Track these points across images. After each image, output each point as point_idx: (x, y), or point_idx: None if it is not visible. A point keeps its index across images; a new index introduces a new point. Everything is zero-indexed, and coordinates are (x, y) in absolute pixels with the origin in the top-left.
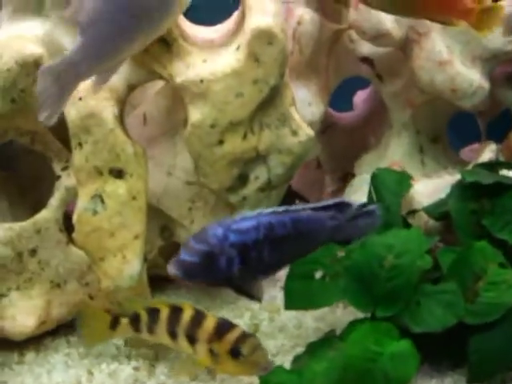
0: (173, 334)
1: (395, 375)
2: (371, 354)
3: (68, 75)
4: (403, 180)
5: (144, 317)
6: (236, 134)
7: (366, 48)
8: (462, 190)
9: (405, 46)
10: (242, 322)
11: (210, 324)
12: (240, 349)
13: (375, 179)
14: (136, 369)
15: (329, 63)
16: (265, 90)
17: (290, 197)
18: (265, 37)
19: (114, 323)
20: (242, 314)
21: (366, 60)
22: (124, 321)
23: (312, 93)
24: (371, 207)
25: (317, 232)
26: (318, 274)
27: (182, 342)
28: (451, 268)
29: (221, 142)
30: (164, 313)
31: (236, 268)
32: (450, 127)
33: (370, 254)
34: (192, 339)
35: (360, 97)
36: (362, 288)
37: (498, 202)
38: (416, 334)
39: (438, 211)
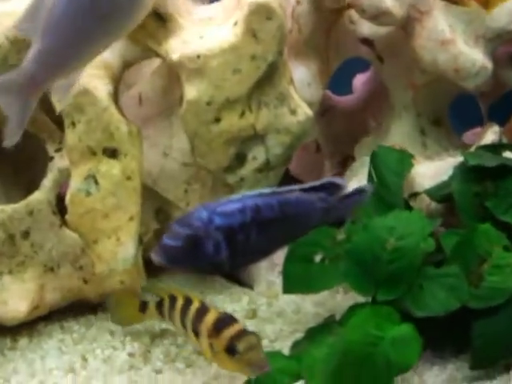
0: (184, 326)
1: (397, 360)
2: (372, 339)
3: (27, 88)
4: (404, 159)
5: (166, 303)
6: (233, 112)
7: (366, 28)
8: (464, 172)
9: (406, 25)
10: (240, 307)
11: (210, 319)
12: (235, 346)
13: (375, 158)
14: (131, 355)
15: (328, 44)
16: (262, 67)
17: (288, 181)
18: (263, 12)
19: (143, 307)
20: (240, 299)
21: (367, 41)
22: (152, 305)
23: (311, 73)
24: (362, 186)
25: (307, 215)
26: (318, 257)
27: (191, 334)
28: (454, 251)
29: (217, 120)
30: (179, 303)
31: (223, 253)
32: (451, 110)
33: (372, 237)
34: (196, 332)
35: (360, 80)
36: (363, 271)
37: (502, 184)
38: (418, 319)
39: (440, 193)
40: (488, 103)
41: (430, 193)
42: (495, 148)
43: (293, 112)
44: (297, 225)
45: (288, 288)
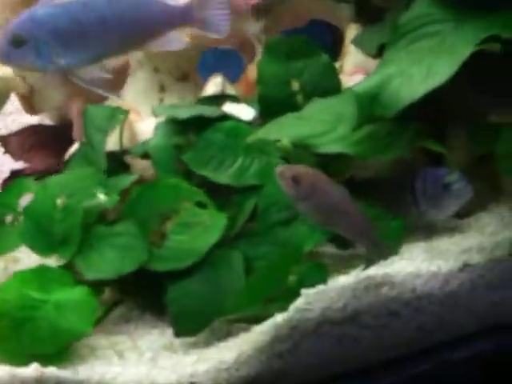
0: None
1: (65, 326)
2: (30, 302)
3: None
4: (114, 115)
5: None
6: None
7: None
8: (167, 125)
9: None
10: None
11: None
12: None
13: (84, 116)
14: None
15: None
16: None
17: None
18: None
19: None
20: None
21: None
22: None
23: None
24: None
25: None
26: (9, 218)
27: None
28: (130, 207)
29: None
30: None
31: None
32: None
33: (46, 194)
34: None
35: None
36: (39, 231)
37: (203, 135)
38: (133, 281)
39: (143, 150)
40: (251, 59)
41: (134, 150)
42: (216, 99)
43: None
44: None
45: None
